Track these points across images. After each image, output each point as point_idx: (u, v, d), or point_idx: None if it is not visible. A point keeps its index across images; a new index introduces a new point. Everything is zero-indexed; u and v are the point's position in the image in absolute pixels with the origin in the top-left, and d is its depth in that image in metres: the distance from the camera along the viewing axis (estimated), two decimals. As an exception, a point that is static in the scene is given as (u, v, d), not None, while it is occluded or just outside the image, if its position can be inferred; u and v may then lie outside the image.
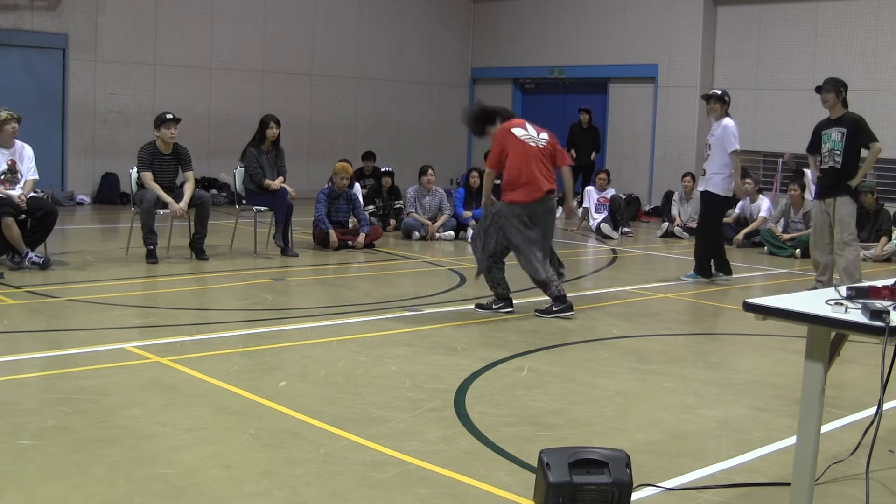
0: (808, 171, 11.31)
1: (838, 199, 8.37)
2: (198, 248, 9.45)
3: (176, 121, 9.38)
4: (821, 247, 8.59)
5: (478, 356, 5.88)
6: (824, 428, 3.82)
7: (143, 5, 15.26)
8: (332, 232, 10.61)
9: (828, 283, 8.64)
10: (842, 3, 14.88)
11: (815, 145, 8.58)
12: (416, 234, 11.92)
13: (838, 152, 8.28)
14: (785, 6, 15.55)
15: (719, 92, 9.26)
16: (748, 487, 3.81)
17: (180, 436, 4.17)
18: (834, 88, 8.31)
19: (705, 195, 9.21)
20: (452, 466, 3.90)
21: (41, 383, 5.08)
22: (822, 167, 8.46)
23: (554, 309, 7.23)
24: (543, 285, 7.28)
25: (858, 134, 8.25)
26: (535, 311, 7.34)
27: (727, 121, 9.11)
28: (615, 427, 4.59)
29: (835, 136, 8.33)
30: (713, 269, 9.38)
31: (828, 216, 8.45)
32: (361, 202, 11.60)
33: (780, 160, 13.72)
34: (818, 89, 8.42)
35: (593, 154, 16.54)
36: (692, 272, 9.37)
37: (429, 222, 12.00)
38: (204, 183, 15.00)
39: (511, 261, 7.46)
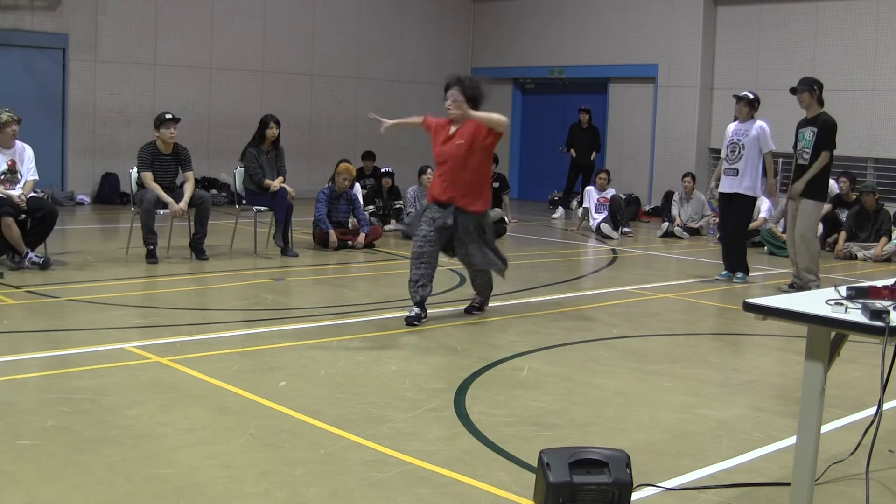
0: (832, 181, 11.45)
1: (804, 200, 8.67)
2: (198, 248, 9.44)
3: (175, 121, 9.38)
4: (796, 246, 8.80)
5: (478, 356, 5.88)
6: (824, 428, 3.82)
7: (143, 5, 15.25)
8: (332, 232, 10.61)
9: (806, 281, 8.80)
10: (842, 3, 14.88)
11: (797, 144, 8.90)
12: (416, 234, 11.91)
13: (808, 150, 8.62)
14: (785, 6, 15.55)
15: (751, 95, 9.35)
16: (748, 487, 3.81)
17: (180, 436, 4.17)
18: (808, 88, 8.58)
19: (742, 198, 9.26)
20: (452, 466, 3.90)
21: (41, 383, 5.08)
22: (797, 164, 8.76)
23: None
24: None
25: (824, 136, 8.44)
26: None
27: (761, 122, 9.28)
28: (615, 427, 4.59)
29: (808, 135, 8.66)
30: (727, 267, 9.55)
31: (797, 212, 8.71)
32: (361, 202, 11.60)
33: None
34: (793, 90, 8.69)
35: (593, 154, 16.55)
36: (741, 274, 9.42)
37: (429, 222, 11.98)
38: (204, 183, 14.99)
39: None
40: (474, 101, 6.76)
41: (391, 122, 7.29)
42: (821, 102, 8.63)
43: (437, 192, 6.91)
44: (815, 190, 8.70)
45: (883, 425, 3.61)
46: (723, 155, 9.44)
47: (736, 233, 9.46)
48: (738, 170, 9.19)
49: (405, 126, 7.59)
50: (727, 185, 9.28)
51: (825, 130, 8.53)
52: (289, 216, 10.02)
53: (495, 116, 6.69)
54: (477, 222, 6.87)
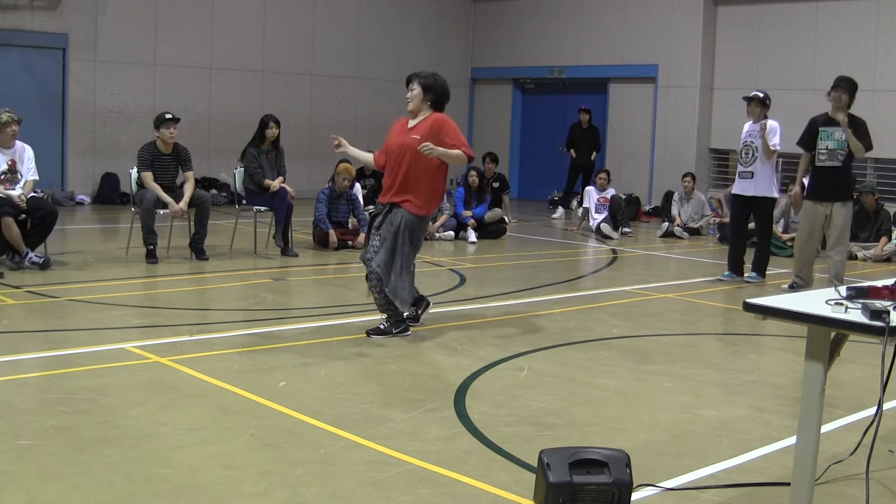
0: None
1: (838, 204, 8.45)
2: (198, 248, 9.44)
3: (175, 120, 9.38)
4: (808, 246, 8.69)
5: (478, 356, 5.88)
6: (824, 428, 3.81)
7: (143, 5, 15.25)
8: (331, 232, 10.61)
9: (808, 281, 8.72)
10: (842, 3, 14.88)
11: (810, 142, 8.61)
12: (416, 234, 11.89)
13: (842, 151, 8.35)
14: (785, 6, 15.54)
15: (761, 94, 9.32)
16: (748, 487, 3.81)
17: (180, 436, 4.17)
18: (853, 91, 8.38)
19: (764, 200, 9.23)
20: (452, 466, 3.90)
21: (41, 383, 5.08)
22: (818, 165, 8.49)
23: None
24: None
25: (864, 136, 8.30)
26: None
27: (773, 122, 9.24)
28: (615, 427, 4.59)
29: (838, 136, 8.38)
30: (731, 268, 9.51)
31: (824, 218, 8.49)
32: (361, 202, 11.60)
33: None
34: (834, 87, 8.40)
35: (593, 154, 16.56)
36: (755, 274, 9.42)
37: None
38: (204, 183, 14.99)
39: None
40: (438, 105, 6.71)
41: (350, 149, 7.09)
42: (849, 104, 8.49)
43: (383, 192, 6.65)
44: (847, 192, 8.61)
45: (883, 425, 3.61)
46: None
47: (764, 235, 9.47)
48: (752, 172, 9.16)
49: (358, 159, 7.17)
50: (743, 188, 9.27)
51: (866, 129, 8.37)
52: (289, 216, 10.02)
53: (453, 153, 6.36)
54: (405, 220, 6.39)
